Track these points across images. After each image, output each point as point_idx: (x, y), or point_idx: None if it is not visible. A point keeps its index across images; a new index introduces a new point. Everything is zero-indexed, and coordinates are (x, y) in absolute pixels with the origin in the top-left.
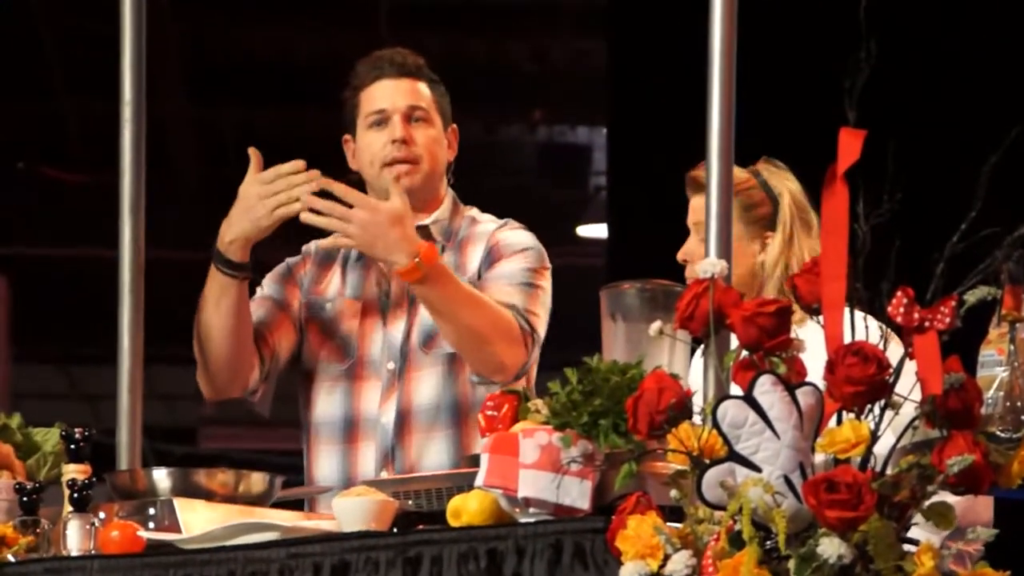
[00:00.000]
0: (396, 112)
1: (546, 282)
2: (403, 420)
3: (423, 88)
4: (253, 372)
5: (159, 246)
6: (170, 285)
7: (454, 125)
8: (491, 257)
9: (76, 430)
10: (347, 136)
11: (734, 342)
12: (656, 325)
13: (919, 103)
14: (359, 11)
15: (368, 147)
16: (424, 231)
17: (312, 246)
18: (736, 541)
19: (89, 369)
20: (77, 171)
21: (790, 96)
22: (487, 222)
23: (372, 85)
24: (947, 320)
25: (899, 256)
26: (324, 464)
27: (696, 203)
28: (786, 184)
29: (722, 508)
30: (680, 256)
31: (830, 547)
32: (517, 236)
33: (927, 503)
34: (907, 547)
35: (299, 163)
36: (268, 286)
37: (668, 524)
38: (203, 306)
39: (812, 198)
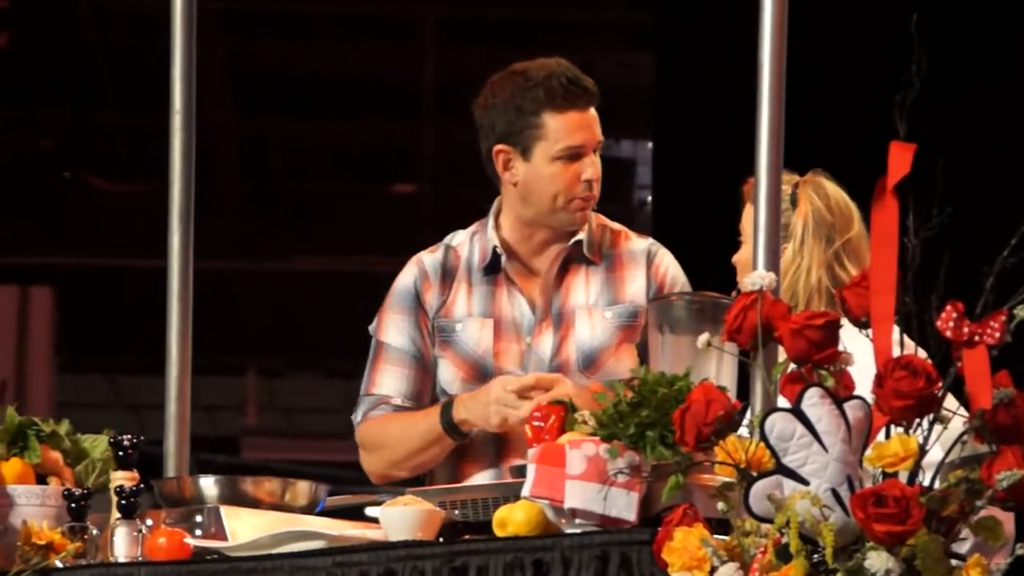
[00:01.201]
0: (591, 150)
1: None
2: None
3: (597, 115)
4: None
5: (203, 257)
6: (212, 295)
7: None
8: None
9: (124, 437)
10: (506, 147)
11: (782, 354)
12: (704, 337)
13: (970, 117)
14: (405, 25)
15: (554, 179)
16: (578, 247)
17: (427, 265)
18: (783, 554)
19: (133, 379)
20: (123, 181)
21: (840, 109)
22: (635, 238)
23: (564, 114)
24: (997, 335)
25: (949, 270)
26: (477, 482)
27: (748, 212)
28: (809, 196)
29: (769, 521)
30: (734, 260)
31: (878, 561)
32: (678, 269)
33: (975, 518)
34: (955, 562)
35: (550, 382)
36: (401, 332)
37: (715, 536)
38: (401, 437)
39: (862, 212)
